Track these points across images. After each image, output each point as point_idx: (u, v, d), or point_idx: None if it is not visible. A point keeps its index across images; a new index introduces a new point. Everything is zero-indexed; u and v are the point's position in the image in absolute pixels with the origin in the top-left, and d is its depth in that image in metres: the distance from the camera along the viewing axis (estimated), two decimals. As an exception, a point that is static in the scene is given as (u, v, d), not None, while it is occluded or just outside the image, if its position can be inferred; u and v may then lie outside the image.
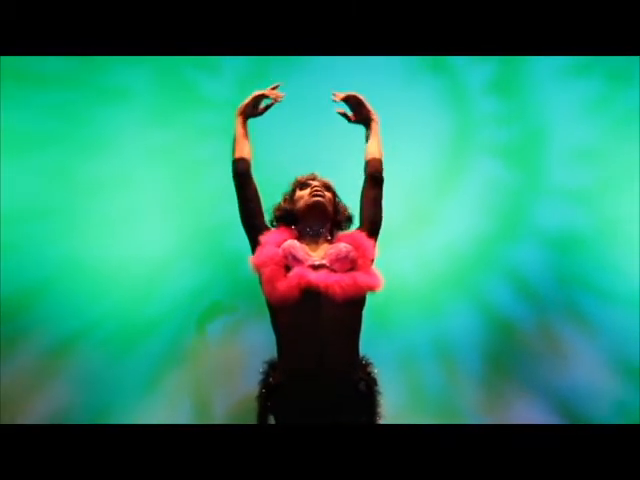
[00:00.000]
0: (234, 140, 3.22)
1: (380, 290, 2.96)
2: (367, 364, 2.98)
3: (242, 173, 3.15)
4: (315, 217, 3.12)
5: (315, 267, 2.93)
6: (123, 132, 4.21)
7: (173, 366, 3.98)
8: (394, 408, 3.48)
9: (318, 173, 3.26)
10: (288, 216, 3.19)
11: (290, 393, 2.84)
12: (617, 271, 4.14)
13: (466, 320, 3.81)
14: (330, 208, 3.17)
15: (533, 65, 4.30)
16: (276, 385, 2.88)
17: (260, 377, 2.96)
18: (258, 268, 2.99)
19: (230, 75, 4.45)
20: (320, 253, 3.03)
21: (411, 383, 4.03)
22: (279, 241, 3.06)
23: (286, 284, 2.88)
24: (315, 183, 3.16)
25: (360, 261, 2.98)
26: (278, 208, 3.24)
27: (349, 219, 3.24)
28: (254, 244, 3.08)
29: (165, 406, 3.93)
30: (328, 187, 3.23)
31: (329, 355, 2.81)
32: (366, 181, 3.18)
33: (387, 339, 3.94)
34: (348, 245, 3.03)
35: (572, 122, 4.33)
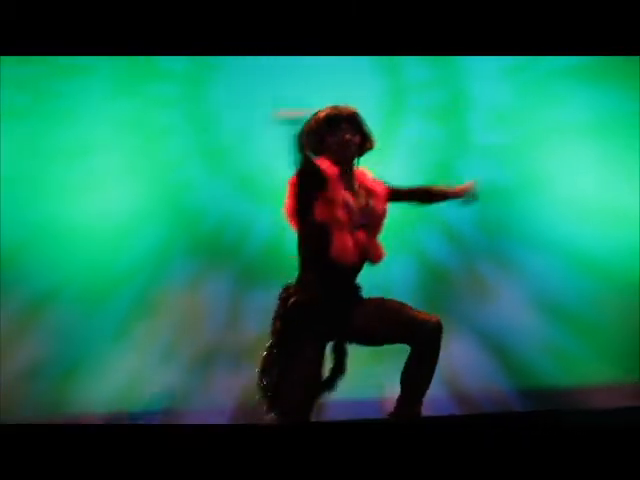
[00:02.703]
0: None
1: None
2: None
3: None
4: (346, 165, 2.88)
5: (357, 228, 2.79)
6: (88, 104, 4.08)
7: (141, 317, 3.97)
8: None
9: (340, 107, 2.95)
10: (315, 148, 2.92)
11: (309, 311, 2.77)
12: (537, 221, 4.16)
13: (403, 267, 3.77)
14: (358, 154, 2.94)
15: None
16: (297, 305, 2.78)
17: (278, 301, 2.83)
18: (325, 222, 2.75)
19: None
20: (360, 198, 2.84)
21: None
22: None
23: (349, 248, 2.74)
24: (347, 137, 2.83)
25: (379, 224, 2.90)
26: (307, 139, 2.86)
27: (371, 147, 2.95)
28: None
29: (135, 353, 3.91)
30: (357, 126, 2.92)
31: (346, 284, 2.80)
32: (420, 194, 3.03)
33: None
34: (378, 205, 2.88)
35: (492, 86, 4.24)
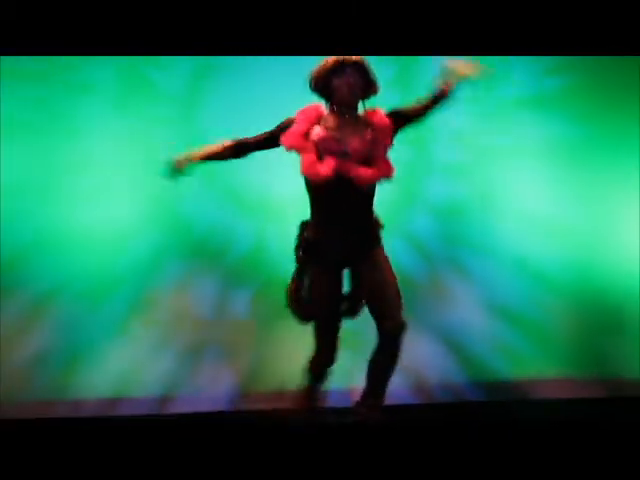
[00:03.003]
0: (214, 157, 3.14)
1: (390, 178, 3.01)
2: (377, 220, 3.11)
3: (240, 151, 3.15)
4: (348, 107, 3.04)
5: (342, 156, 2.96)
6: (91, 120, 4.20)
7: (136, 313, 4.13)
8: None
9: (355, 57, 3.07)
10: (322, 92, 3.08)
11: (321, 243, 2.99)
12: (490, 233, 4.28)
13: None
14: (362, 97, 3.08)
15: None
16: (310, 239, 3.02)
17: (296, 235, 3.08)
18: (292, 149, 3.00)
19: (181, 72, 4.37)
20: (348, 129, 3.02)
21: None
22: (309, 131, 3.03)
23: (324, 171, 2.93)
24: (350, 80, 2.98)
25: (376, 150, 3.00)
26: (315, 83, 3.07)
27: (375, 92, 3.08)
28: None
29: (131, 345, 4.09)
30: (363, 71, 3.06)
31: (352, 214, 2.95)
32: (417, 107, 3.08)
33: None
34: (369, 135, 3.02)
35: (451, 110, 4.48)
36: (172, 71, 4.40)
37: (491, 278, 4.36)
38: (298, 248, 3.13)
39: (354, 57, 3.02)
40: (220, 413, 4.14)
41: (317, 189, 3.00)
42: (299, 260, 3.13)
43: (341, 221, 3.02)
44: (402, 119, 3.09)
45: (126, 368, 4.14)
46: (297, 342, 4.13)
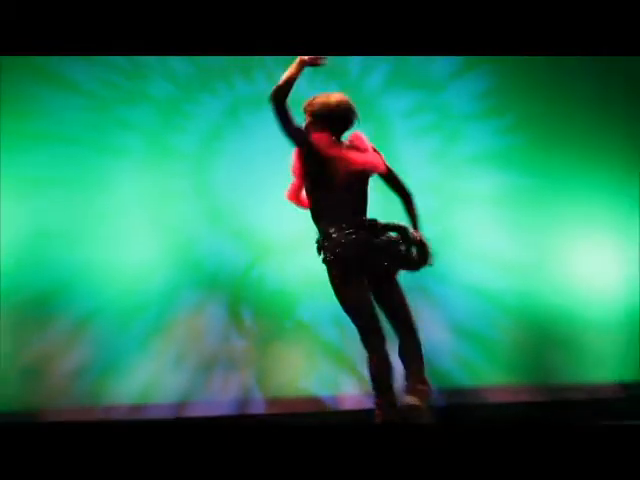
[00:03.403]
0: (288, 81, 3.03)
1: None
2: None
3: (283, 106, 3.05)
4: (339, 135, 3.19)
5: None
6: (118, 177, 4.49)
7: (158, 333, 4.42)
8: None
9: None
10: (326, 122, 3.18)
11: (339, 240, 3.01)
12: (452, 265, 4.47)
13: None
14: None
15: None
16: (332, 259, 3.01)
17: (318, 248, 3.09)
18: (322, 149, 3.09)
19: (194, 133, 4.61)
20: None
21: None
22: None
23: (361, 159, 3.10)
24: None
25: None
26: (319, 117, 3.19)
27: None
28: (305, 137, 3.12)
29: (154, 360, 4.37)
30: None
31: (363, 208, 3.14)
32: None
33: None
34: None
35: (423, 162, 4.62)
36: (187, 134, 4.61)
37: (452, 303, 4.62)
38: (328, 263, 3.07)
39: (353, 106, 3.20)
40: (230, 417, 4.35)
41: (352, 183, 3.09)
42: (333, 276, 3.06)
43: (353, 222, 3.05)
44: (386, 179, 3.25)
45: (150, 379, 4.40)
46: (292, 355, 4.51)
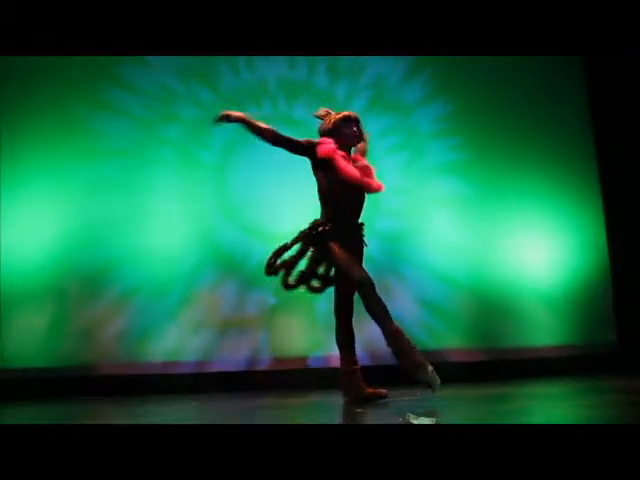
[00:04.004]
0: (252, 125, 3.25)
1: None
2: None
3: (274, 140, 3.26)
4: (348, 148, 3.35)
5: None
6: (155, 179, 4.82)
7: (184, 304, 4.71)
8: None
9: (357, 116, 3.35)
10: (329, 135, 3.31)
11: (335, 232, 3.20)
12: (419, 251, 4.82)
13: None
14: (360, 140, 3.40)
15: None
16: (327, 230, 3.21)
17: (310, 230, 3.25)
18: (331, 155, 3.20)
19: (216, 147, 4.85)
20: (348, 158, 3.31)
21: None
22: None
23: (375, 179, 3.27)
24: (356, 130, 3.31)
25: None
26: (325, 129, 3.33)
27: (363, 141, 3.45)
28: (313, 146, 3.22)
29: (181, 326, 4.66)
30: (360, 126, 3.38)
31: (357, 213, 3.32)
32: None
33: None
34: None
35: (397, 171, 4.84)
36: (209, 148, 4.88)
37: (418, 281, 4.86)
38: (316, 235, 3.23)
39: (356, 115, 3.36)
40: (240, 372, 4.57)
41: (346, 192, 3.22)
42: (315, 244, 3.23)
43: (354, 216, 3.30)
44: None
45: (178, 341, 4.67)
46: (292, 323, 4.66)
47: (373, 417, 2.84)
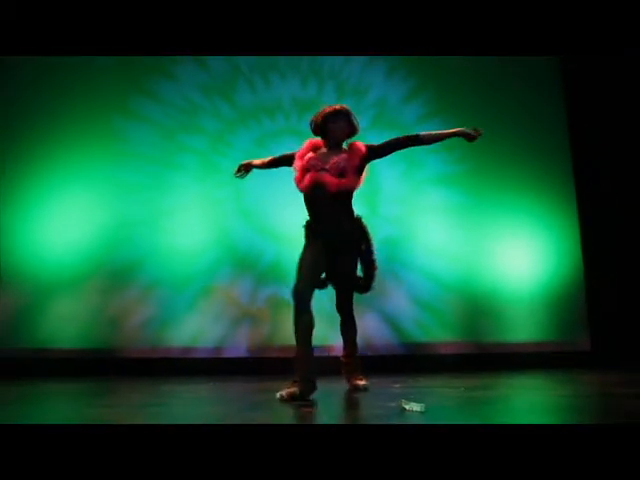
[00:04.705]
0: (262, 165, 3.43)
1: (355, 188, 3.08)
2: (358, 218, 3.24)
3: (277, 164, 3.38)
4: (337, 144, 3.19)
5: (320, 170, 3.08)
6: (181, 184, 4.89)
7: (204, 297, 4.79)
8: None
9: (344, 106, 3.16)
10: (320, 132, 3.19)
11: (316, 229, 3.12)
12: (416, 256, 4.87)
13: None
14: (347, 136, 3.20)
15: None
16: (307, 227, 3.16)
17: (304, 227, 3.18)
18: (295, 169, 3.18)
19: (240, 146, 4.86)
20: (332, 154, 3.13)
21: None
22: (305, 156, 3.18)
23: (305, 181, 3.10)
24: (341, 125, 3.12)
25: (348, 167, 3.07)
26: (315, 126, 3.19)
27: (356, 134, 3.21)
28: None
29: (200, 316, 4.73)
30: (349, 118, 3.17)
31: (327, 214, 3.09)
32: (403, 138, 3.18)
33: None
34: (344, 156, 3.10)
35: (395, 179, 4.91)
36: (227, 157, 4.82)
37: (413, 282, 4.93)
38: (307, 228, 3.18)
39: (343, 107, 3.16)
40: (252, 358, 4.64)
41: (305, 194, 3.14)
42: (305, 243, 3.15)
43: (321, 215, 3.11)
44: (374, 152, 3.13)
45: (197, 329, 4.74)
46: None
47: (365, 407, 2.83)
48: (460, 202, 5.10)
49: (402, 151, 4.82)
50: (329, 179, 3.04)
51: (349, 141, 3.22)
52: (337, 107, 3.16)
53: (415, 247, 4.95)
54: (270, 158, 3.45)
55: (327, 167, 3.07)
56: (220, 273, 4.86)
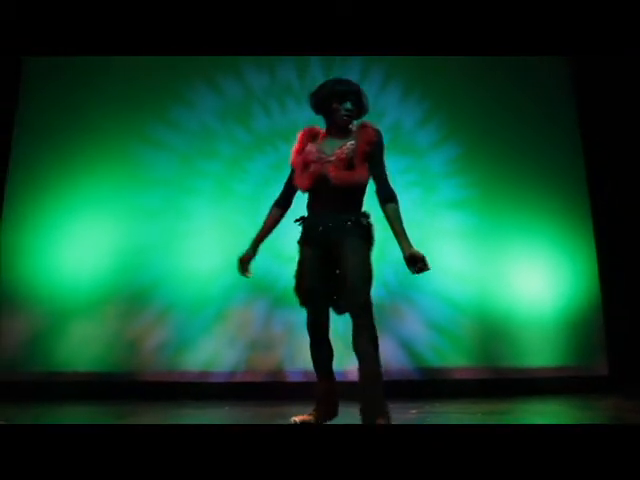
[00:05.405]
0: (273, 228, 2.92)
1: (366, 181, 2.65)
2: (365, 214, 2.71)
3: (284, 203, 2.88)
4: (341, 129, 2.74)
5: (324, 162, 2.66)
6: (194, 211, 4.89)
7: (220, 321, 4.77)
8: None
9: (354, 83, 2.72)
10: (322, 112, 2.77)
11: (312, 223, 2.70)
12: (430, 280, 4.61)
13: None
14: (354, 119, 2.75)
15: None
16: (306, 219, 2.74)
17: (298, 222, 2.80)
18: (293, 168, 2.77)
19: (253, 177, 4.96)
20: (339, 143, 2.69)
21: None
22: (303, 150, 2.74)
23: (306, 179, 2.68)
24: (347, 107, 2.67)
25: (356, 157, 2.63)
26: (316, 104, 2.76)
27: (365, 114, 2.78)
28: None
29: (215, 340, 4.71)
30: (358, 98, 2.73)
31: (333, 206, 2.65)
32: (380, 188, 2.67)
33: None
34: (352, 143, 2.67)
35: (413, 204, 4.75)
36: (244, 182, 4.91)
37: (428, 306, 4.90)
38: (299, 241, 2.80)
39: (355, 85, 2.72)
40: (266, 383, 4.58)
41: (309, 193, 2.75)
42: (300, 250, 2.78)
43: (324, 211, 2.67)
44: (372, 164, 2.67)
45: (212, 353, 4.72)
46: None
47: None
48: (475, 225, 5.10)
49: (416, 177, 5.10)
50: (334, 172, 2.63)
51: (357, 122, 2.79)
52: (344, 82, 2.72)
53: (430, 271, 4.71)
54: (277, 212, 2.90)
55: (332, 158, 2.66)
56: (236, 297, 4.81)
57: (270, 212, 2.89)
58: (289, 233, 4.58)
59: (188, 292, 4.81)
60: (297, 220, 2.78)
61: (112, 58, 4.88)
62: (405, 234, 2.63)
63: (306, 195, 2.80)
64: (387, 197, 2.65)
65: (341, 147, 2.67)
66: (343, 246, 2.59)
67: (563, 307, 5.02)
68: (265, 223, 2.91)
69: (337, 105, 2.68)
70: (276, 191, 4.55)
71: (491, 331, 4.92)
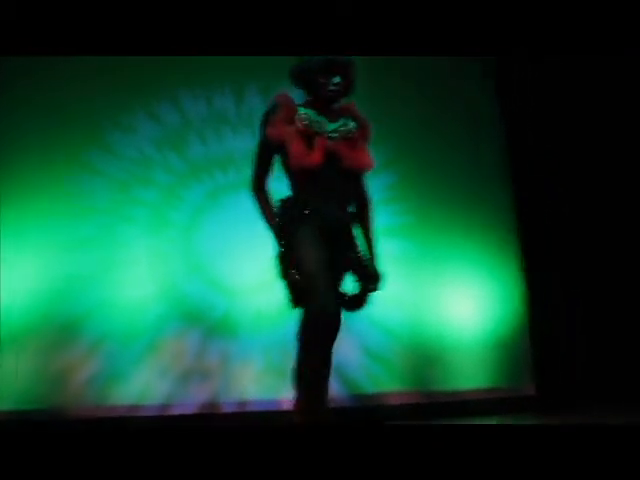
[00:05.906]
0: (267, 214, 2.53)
1: (371, 168, 2.47)
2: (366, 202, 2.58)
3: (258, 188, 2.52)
4: (326, 106, 2.47)
5: (331, 138, 2.39)
6: (128, 239, 4.77)
7: (150, 352, 4.61)
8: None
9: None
10: (304, 85, 2.47)
11: (309, 216, 2.35)
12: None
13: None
14: (342, 96, 2.47)
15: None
16: (297, 214, 2.36)
17: (280, 212, 2.43)
18: (278, 141, 2.34)
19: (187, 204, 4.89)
20: (335, 121, 2.45)
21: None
22: (292, 117, 2.36)
23: (316, 153, 2.31)
24: (336, 82, 2.39)
25: (360, 139, 2.46)
26: (297, 76, 2.45)
27: (352, 92, 2.51)
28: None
29: (147, 372, 4.57)
30: (347, 75, 2.43)
31: (338, 189, 2.41)
32: (361, 198, 2.60)
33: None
34: (353, 125, 2.46)
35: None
36: (179, 210, 4.86)
37: (362, 332, 4.79)
38: (287, 223, 2.39)
39: (344, 59, 2.42)
40: (201, 414, 4.48)
41: (307, 171, 2.36)
42: (286, 233, 2.37)
43: (328, 200, 2.39)
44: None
45: (143, 385, 4.56)
46: (246, 370, 4.59)
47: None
48: (408, 252, 5.10)
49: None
50: (346, 151, 2.35)
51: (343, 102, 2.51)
52: (335, 57, 2.40)
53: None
54: (264, 195, 2.57)
55: (335, 135, 2.39)
56: (168, 327, 4.65)
57: (264, 198, 2.53)
58: (224, 261, 4.68)
59: (119, 323, 4.63)
60: (305, 210, 2.37)
61: (47, 78, 4.76)
62: (370, 238, 2.56)
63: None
64: (368, 198, 2.62)
65: (343, 126, 2.44)
66: (348, 234, 2.48)
67: (492, 330, 5.10)
68: (269, 206, 2.51)
69: (324, 79, 2.40)
70: (210, 219, 4.83)
71: (423, 355, 4.90)
